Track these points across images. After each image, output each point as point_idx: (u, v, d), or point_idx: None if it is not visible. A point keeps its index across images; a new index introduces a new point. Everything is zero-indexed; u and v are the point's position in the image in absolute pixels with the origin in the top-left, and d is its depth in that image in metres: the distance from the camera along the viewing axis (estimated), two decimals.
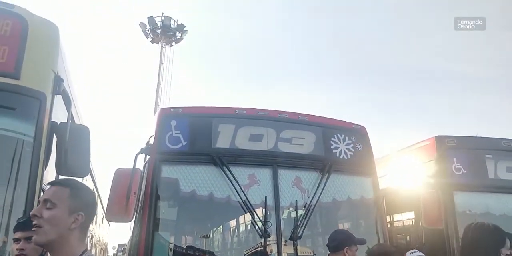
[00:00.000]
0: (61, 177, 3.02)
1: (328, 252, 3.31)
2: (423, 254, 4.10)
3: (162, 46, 25.13)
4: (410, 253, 4.10)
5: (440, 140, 5.08)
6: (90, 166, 6.86)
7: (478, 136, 5.51)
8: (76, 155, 3.04)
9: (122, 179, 3.65)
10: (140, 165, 4.17)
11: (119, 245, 21.03)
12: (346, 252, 3.19)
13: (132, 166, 3.73)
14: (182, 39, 25.60)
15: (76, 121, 4.16)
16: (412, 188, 5.13)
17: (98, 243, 11.03)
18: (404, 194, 5.32)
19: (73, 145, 3.03)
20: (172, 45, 25.29)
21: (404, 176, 5.63)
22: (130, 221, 3.68)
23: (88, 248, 1.65)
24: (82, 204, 1.60)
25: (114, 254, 22.20)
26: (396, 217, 6.56)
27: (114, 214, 3.58)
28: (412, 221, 5.85)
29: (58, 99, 3.28)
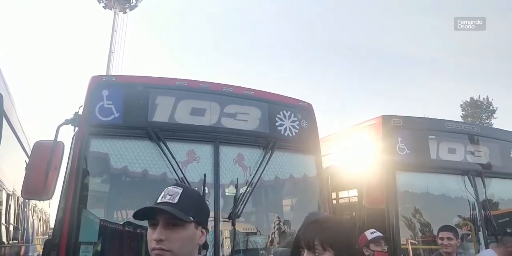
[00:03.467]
0: None
1: None
2: (382, 234, 4.09)
3: (115, 12, 23.80)
4: (371, 233, 4.07)
5: (386, 119, 5.04)
6: (26, 138, 6.41)
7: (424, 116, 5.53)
8: None
9: (42, 152, 3.30)
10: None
11: None
12: None
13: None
14: (137, 6, 24.34)
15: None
16: (357, 166, 5.10)
17: (40, 217, 10.76)
18: (349, 172, 5.30)
19: None
20: (126, 12, 24.00)
21: (350, 155, 5.60)
22: (49, 199, 3.37)
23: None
24: None
25: None
26: (342, 194, 6.60)
27: (31, 191, 3.23)
28: (357, 199, 5.90)
29: None
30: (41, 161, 3.24)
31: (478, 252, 4.75)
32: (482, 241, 4.87)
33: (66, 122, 3.65)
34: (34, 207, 9.29)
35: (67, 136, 3.81)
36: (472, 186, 5.08)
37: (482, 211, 5.00)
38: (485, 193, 5.11)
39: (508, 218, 5.47)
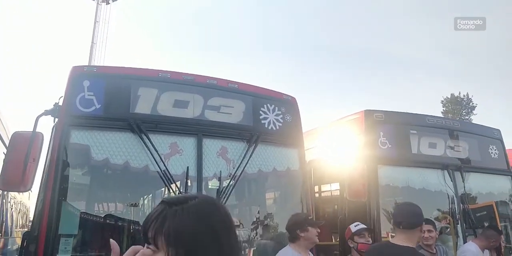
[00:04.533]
0: None
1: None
2: (366, 227, 4.12)
3: (98, 3, 23.38)
4: (355, 226, 4.09)
5: (369, 114, 5.08)
6: (5, 129, 6.26)
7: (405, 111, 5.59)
8: None
9: (20, 143, 3.22)
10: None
11: None
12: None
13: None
14: None
15: None
16: (339, 160, 5.14)
17: (19, 209, 10.63)
18: (332, 166, 5.34)
19: None
20: (109, 3, 23.59)
21: (333, 148, 5.64)
22: (28, 190, 3.30)
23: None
24: None
25: None
26: (324, 187, 6.67)
27: (9, 182, 3.15)
28: (339, 192, 5.96)
29: None
30: (19, 152, 3.17)
31: (457, 244, 4.85)
32: (460, 234, 4.96)
33: (46, 113, 3.57)
34: (13, 199, 9.13)
35: (47, 127, 3.73)
36: (451, 180, 5.17)
37: (461, 204, 5.09)
38: (464, 187, 5.21)
39: (485, 212, 5.60)
